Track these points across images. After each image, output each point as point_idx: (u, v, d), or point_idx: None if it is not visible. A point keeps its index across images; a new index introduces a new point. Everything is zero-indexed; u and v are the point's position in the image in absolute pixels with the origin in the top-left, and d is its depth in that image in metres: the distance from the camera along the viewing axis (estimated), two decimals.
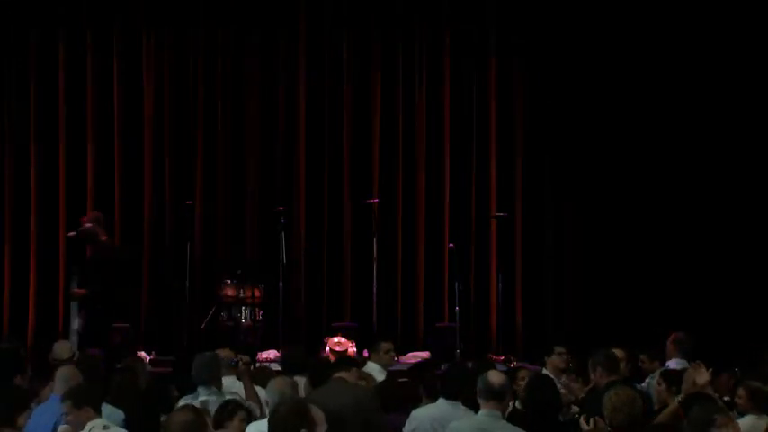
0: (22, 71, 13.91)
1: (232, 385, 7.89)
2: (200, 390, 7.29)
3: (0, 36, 13.88)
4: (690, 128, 13.82)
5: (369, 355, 9.57)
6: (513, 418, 6.72)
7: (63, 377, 7.31)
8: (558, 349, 9.05)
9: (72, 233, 12.81)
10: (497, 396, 6.37)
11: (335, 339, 12.21)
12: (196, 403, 7.08)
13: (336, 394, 6.67)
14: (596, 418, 6.28)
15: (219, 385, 7.47)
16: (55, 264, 13.78)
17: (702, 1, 13.74)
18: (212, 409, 6.75)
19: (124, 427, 6.74)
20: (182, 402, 7.17)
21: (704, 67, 13.74)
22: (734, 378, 8.26)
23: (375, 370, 8.65)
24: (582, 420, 6.31)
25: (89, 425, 6.48)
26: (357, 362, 8.46)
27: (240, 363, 8.11)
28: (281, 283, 12.95)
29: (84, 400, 6.59)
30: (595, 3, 14.05)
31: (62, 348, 9.39)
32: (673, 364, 9.08)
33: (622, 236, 13.89)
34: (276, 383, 6.65)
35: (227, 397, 7.19)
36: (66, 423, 6.60)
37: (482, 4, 14.47)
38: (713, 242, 13.67)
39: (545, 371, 8.79)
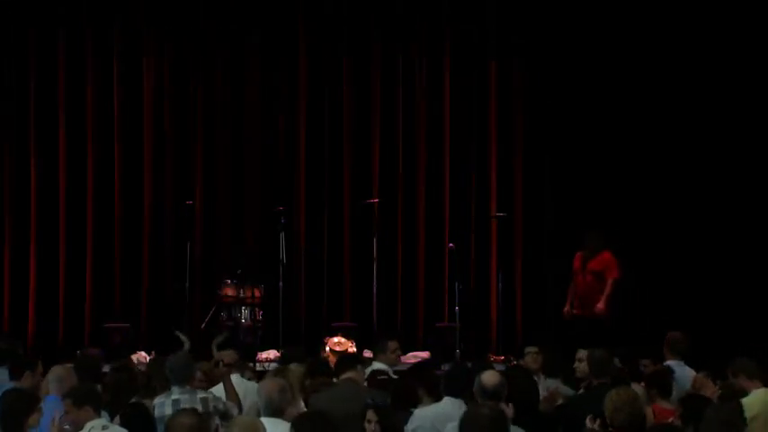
0: (22, 71, 13.91)
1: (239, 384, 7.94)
2: (174, 389, 7.28)
3: (0, 36, 13.88)
4: (689, 127, 13.80)
5: (374, 354, 9.53)
6: None
7: (56, 377, 7.30)
8: (529, 349, 9.09)
9: None
10: (493, 396, 6.42)
11: (335, 339, 12.20)
12: (168, 402, 7.13)
13: (348, 396, 6.67)
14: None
15: (194, 384, 7.44)
16: (56, 264, 13.78)
17: (702, 1, 13.73)
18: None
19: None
20: (156, 401, 7.21)
21: (704, 68, 13.72)
22: None
23: None
24: (588, 420, 6.33)
25: (88, 425, 6.49)
26: (361, 359, 8.45)
27: (221, 364, 8.11)
28: (281, 283, 12.95)
29: (85, 399, 6.60)
30: (595, 3, 14.04)
31: None
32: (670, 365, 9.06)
33: (622, 235, 13.86)
34: (266, 386, 6.62)
35: (200, 395, 7.20)
36: (66, 422, 6.60)
37: (482, 4, 14.46)
38: (713, 242, 13.65)
39: None
